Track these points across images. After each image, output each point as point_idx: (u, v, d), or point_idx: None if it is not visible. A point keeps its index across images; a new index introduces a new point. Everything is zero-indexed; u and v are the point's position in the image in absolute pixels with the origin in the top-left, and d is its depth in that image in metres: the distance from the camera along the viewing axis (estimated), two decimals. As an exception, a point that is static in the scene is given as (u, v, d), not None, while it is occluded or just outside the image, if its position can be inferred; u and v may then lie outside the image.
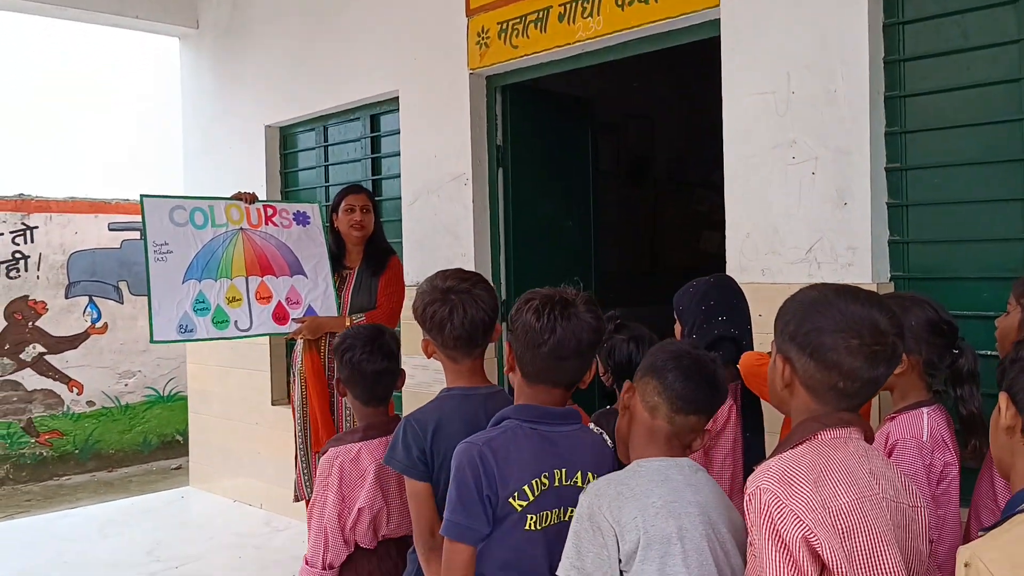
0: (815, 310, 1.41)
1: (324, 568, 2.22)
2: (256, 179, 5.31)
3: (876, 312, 1.39)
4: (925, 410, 1.93)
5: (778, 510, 1.30)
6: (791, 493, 1.30)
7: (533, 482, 1.75)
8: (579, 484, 1.78)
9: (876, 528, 1.32)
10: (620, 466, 1.77)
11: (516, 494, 1.73)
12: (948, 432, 1.93)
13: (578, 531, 1.60)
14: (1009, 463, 1.33)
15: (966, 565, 1.18)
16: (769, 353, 1.55)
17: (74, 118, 7.69)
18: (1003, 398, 1.32)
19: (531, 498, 1.74)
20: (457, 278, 2.03)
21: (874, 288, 2.68)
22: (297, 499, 3.95)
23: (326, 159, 5.20)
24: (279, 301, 3.89)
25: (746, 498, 1.37)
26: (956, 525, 1.90)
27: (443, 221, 4.30)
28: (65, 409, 7.02)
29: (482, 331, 2.01)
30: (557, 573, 1.62)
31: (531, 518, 1.75)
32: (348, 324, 3.83)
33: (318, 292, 3.95)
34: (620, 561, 1.55)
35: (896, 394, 2.01)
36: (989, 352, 2.32)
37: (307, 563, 2.26)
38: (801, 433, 1.41)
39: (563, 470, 1.79)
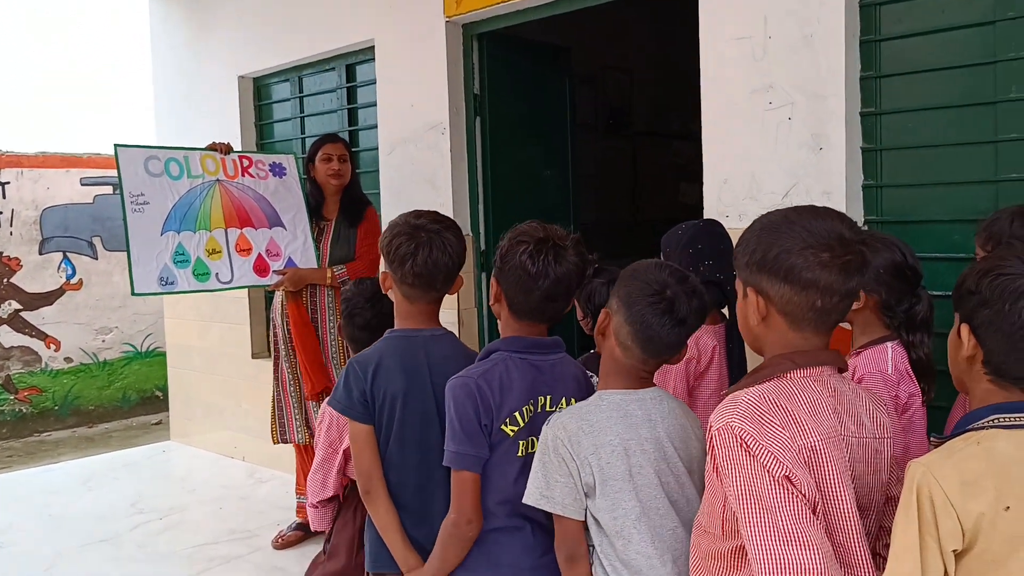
0: (779, 233, 1.38)
1: (311, 507, 2.36)
2: (231, 131, 5.24)
3: (838, 223, 1.37)
4: (889, 344, 1.99)
5: (757, 447, 1.29)
6: (765, 432, 1.29)
7: (523, 408, 1.82)
8: (563, 409, 1.83)
9: (836, 468, 1.33)
10: None
11: (508, 420, 1.80)
12: (911, 365, 1.99)
13: (544, 462, 1.67)
14: (968, 386, 1.35)
15: (917, 488, 1.22)
16: None
17: (44, 70, 7.55)
18: (965, 330, 1.32)
19: (521, 424, 1.82)
20: (430, 218, 2.03)
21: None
22: (277, 442, 4.02)
23: (302, 110, 5.14)
24: (259, 253, 3.89)
25: (711, 432, 1.35)
26: (922, 452, 1.96)
27: (421, 171, 4.29)
28: (43, 366, 6.99)
29: (443, 275, 2.00)
30: (524, 500, 1.69)
31: (522, 444, 1.82)
32: (329, 276, 3.84)
33: (297, 244, 3.95)
34: (583, 490, 1.65)
35: (856, 329, 2.07)
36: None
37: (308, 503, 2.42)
38: (771, 370, 1.39)
39: (548, 396, 1.86)
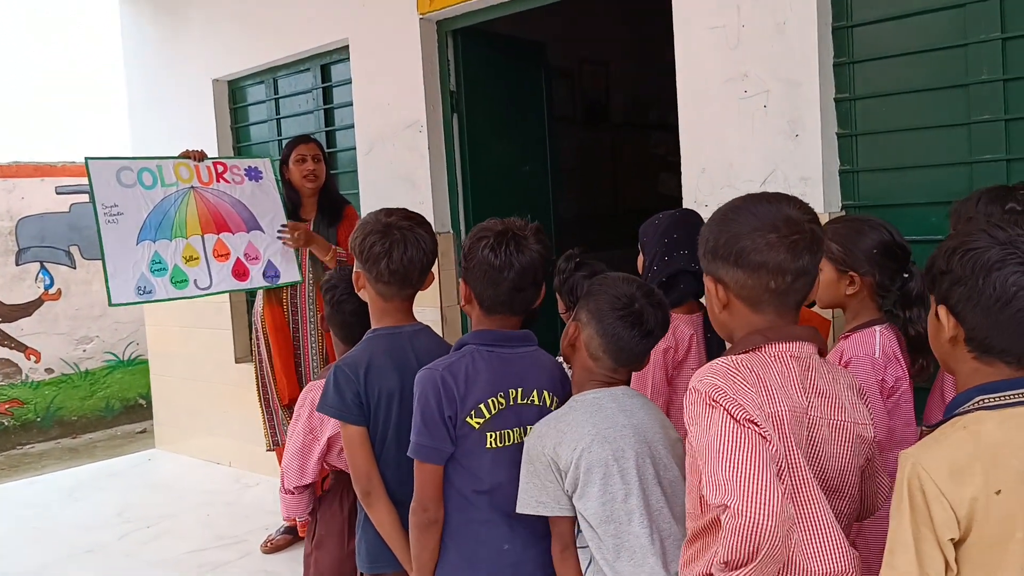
0: (729, 220, 1.42)
1: (285, 492, 2.35)
2: (206, 135, 5.20)
3: (786, 205, 1.40)
4: (877, 328, 2.00)
5: (722, 397, 1.30)
6: (738, 391, 1.31)
7: (489, 401, 1.83)
8: (536, 403, 1.88)
9: (795, 442, 1.34)
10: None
11: (473, 412, 1.82)
12: (899, 348, 2.00)
13: (530, 471, 1.73)
14: (954, 367, 1.35)
15: (908, 481, 1.21)
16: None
17: (44, 70, 7.47)
18: (943, 311, 1.31)
19: (487, 416, 1.83)
20: (401, 215, 2.04)
21: (826, 217, 2.74)
22: (271, 448, 4.01)
23: (277, 112, 5.10)
24: (237, 257, 3.87)
25: (689, 394, 1.36)
26: (908, 435, 1.98)
27: (399, 170, 4.27)
28: (24, 377, 6.91)
29: (418, 271, 2.02)
30: (519, 511, 1.74)
31: (490, 436, 1.84)
32: (330, 254, 3.76)
33: (276, 247, 3.93)
34: (568, 492, 1.70)
35: (848, 314, 2.08)
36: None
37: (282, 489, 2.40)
38: (744, 345, 1.41)
39: (519, 389, 1.87)
